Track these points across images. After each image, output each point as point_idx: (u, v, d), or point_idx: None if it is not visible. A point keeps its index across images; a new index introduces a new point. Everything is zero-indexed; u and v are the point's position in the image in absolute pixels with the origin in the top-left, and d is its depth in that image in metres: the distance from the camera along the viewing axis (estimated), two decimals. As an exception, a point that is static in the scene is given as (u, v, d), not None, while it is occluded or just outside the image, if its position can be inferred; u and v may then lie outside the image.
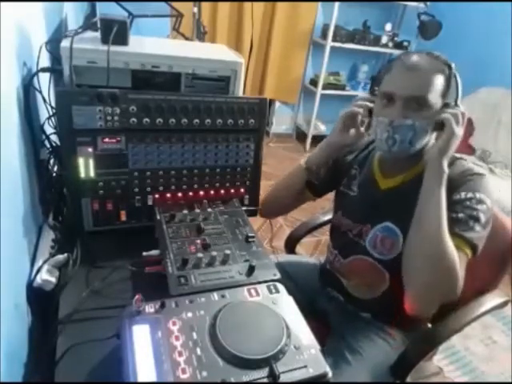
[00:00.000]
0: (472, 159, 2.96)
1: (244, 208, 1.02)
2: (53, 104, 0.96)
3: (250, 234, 0.89)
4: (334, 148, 1.06)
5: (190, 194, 1.02)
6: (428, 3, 3.51)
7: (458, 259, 0.81)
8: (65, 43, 0.91)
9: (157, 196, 0.99)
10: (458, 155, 0.94)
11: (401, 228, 0.93)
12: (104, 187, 0.94)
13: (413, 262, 0.85)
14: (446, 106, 0.88)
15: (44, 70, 0.95)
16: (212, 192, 1.04)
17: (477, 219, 0.84)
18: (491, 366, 1.80)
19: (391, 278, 0.97)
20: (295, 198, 1.16)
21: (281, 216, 1.87)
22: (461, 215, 0.84)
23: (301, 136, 3.93)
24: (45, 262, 0.83)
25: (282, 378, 0.57)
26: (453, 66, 0.89)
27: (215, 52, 1.24)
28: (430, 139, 0.92)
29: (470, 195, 0.85)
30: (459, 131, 0.86)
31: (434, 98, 0.87)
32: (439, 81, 0.87)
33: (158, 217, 0.93)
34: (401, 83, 0.87)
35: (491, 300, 1.05)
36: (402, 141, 0.88)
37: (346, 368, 0.92)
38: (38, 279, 0.80)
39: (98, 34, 1.00)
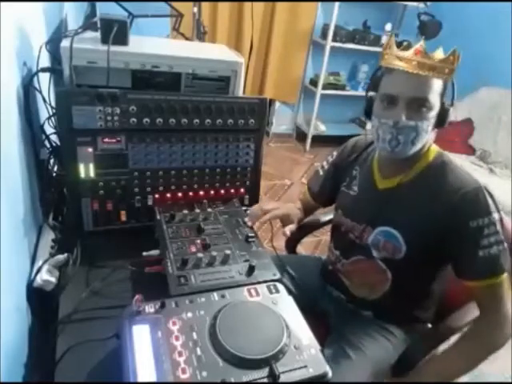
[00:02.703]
0: (472, 159, 2.96)
1: (244, 208, 1.02)
2: (53, 104, 0.96)
3: (249, 234, 0.89)
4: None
5: (190, 194, 1.02)
6: (428, 3, 3.51)
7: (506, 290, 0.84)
8: (65, 43, 0.91)
9: (157, 196, 0.99)
10: (446, 157, 0.94)
11: (402, 233, 0.92)
12: (104, 187, 0.94)
13: None
14: (442, 106, 0.90)
15: (44, 70, 0.95)
16: (212, 192, 1.04)
17: (501, 241, 0.84)
18: (491, 366, 1.80)
19: (393, 277, 0.97)
20: (306, 215, 1.25)
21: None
22: (493, 251, 0.84)
23: (301, 136, 3.93)
24: (45, 262, 0.83)
25: (282, 378, 0.57)
26: None
27: (215, 52, 1.23)
28: (429, 138, 0.93)
29: (486, 221, 0.84)
30: None
31: (434, 98, 0.88)
32: (438, 81, 0.88)
33: (158, 217, 0.93)
34: (404, 85, 0.87)
35: (491, 300, 1.05)
36: (405, 142, 0.89)
37: (347, 363, 0.92)
38: (38, 279, 0.79)
39: (98, 34, 1.00)
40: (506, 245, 0.86)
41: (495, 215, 0.86)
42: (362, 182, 1.05)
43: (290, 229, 1.02)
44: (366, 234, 0.98)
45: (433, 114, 0.89)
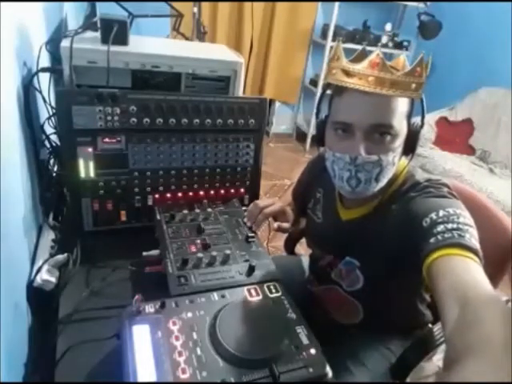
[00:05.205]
0: (472, 159, 2.96)
1: (244, 208, 1.02)
2: (53, 104, 0.96)
3: (249, 234, 0.89)
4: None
5: (190, 194, 1.02)
6: (428, 3, 3.51)
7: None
8: (65, 43, 0.91)
9: (157, 196, 0.99)
10: (416, 178, 0.79)
11: (359, 260, 0.86)
12: (104, 187, 0.94)
13: None
14: (408, 129, 0.75)
15: (44, 70, 0.95)
16: (212, 192, 1.04)
17: (466, 231, 0.64)
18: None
19: (364, 308, 0.93)
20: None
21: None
22: (448, 226, 0.64)
23: (301, 136, 3.93)
24: (45, 262, 0.83)
25: (282, 378, 0.57)
26: None
27: (215, 52, 1.24)
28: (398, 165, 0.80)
29: (442, 213, 0.66)
30: None
31: (400, 122, 0.72)
32: (403, 100, 0.71)
33: (158, 217, 0.93)
34: (359, 109, 0.70)
35: (491, 300, 1.05)
36: (367, 180, 0.74)
37: (346, 375, 0.89)
38: (38, 279, 0.79)
39: (98, 34, 1.00)
40: (472, 231, 0.64)
41: (459, 211, 0.67)
42: (326, 208, 0.96)
43: (278, 224, 0.97)
44: (334, 264, 0.93)
45: (399, 143, 0.73)
